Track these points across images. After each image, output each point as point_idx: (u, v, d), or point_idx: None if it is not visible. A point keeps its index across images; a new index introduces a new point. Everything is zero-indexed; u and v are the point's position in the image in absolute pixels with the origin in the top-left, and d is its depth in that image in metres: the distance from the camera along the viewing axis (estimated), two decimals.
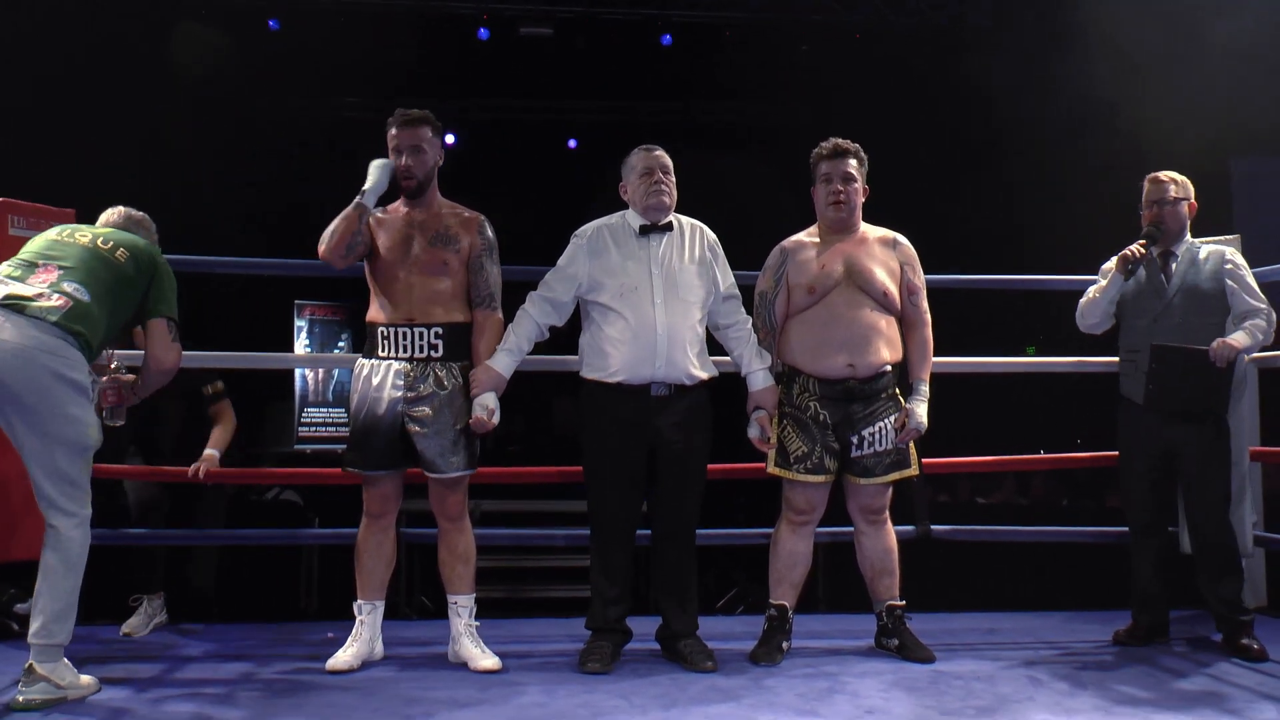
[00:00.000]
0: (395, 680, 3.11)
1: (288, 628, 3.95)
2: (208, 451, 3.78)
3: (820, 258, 3.39)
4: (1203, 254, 3.57)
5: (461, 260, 3.29)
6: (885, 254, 3.43)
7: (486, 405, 3.22)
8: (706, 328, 3.38)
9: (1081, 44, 7.18)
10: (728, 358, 3.46)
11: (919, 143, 7.39)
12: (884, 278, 3.38)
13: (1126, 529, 3.71)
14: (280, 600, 5.69)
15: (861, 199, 3.44)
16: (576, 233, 3.39)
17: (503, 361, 3.27)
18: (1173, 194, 3.59)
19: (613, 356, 3.25)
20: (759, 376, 3.40)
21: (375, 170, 3.26)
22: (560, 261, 3.36)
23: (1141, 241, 3.57)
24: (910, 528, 3.78)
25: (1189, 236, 3.63)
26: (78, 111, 7.01)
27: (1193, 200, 3.62)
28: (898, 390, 3.43)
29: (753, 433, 3.40)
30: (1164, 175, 3.64)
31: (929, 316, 3.48)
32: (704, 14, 7.92)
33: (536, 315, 3.33)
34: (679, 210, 3.40)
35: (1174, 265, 3.58)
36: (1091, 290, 3.70)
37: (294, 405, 8.15)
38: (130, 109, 7.31)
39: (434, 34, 7.78)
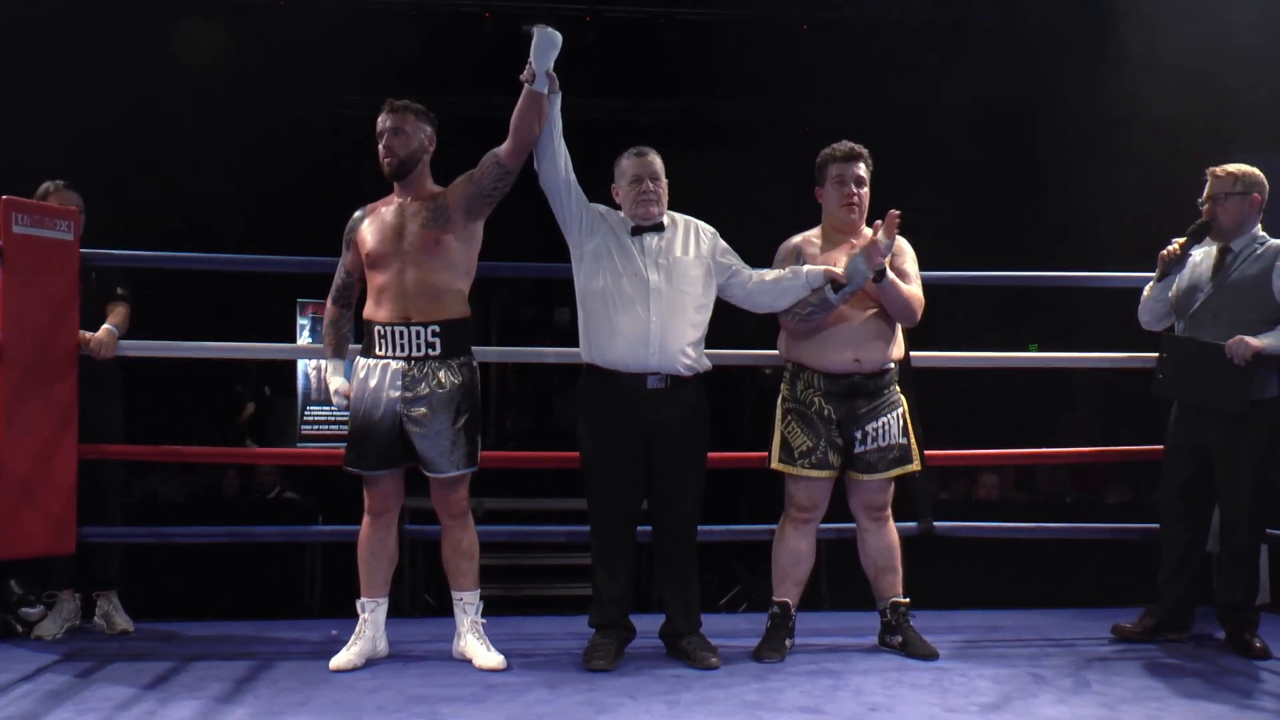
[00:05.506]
0: (399, 677, 3.11)
1: (291, 625, 3.95)
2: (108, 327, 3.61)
3: (825, 256, 3.39)
4: (1260, 249, 3.47)
5: (456, 223, 3.22)
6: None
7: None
8: (710, 322, 3.37)
9: (1090, 41, 7.18)
10: (726, 351, 3.41)
11: (924, 141, 7.38)
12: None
13: (1127, 526, 3.70)
14: (283, 598, 5.69)
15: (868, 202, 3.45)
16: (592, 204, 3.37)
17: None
18: (1227, 189, 3.47)
19: (608, 344, 3.25)
20: (816, 272, 3.28)
21: (538, 45, 3.07)
22: None
23: (1181, 240, 3.51)
24: (913, 524, 3.78)
25: (1257, 231, 3.51)
26: (80, 109, 7.02)
27: (1256, 194, 3.49)
28: (899, 388, 3.44)
29: (875, 252, 3.20)
30: (1222, 169, 3.51)
31: (921, 298, 3.40)
32: (708, 11, 7.91)
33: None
34: (685, 207, 3.40)
35: (1229, 260, 3.50)
36: (1145, 288, 3.67)
37: (296, 403, 8.16)
38: (134, 106, 7.33)
39: (436, 31, 7.78)
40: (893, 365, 3.41)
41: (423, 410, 3.19)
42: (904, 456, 3.41)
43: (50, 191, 3.70)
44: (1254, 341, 3.32)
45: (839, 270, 3.25)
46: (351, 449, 3.27)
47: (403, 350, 3.21)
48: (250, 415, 8.33)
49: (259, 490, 6.58)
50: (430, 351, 3.21)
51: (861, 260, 3.21)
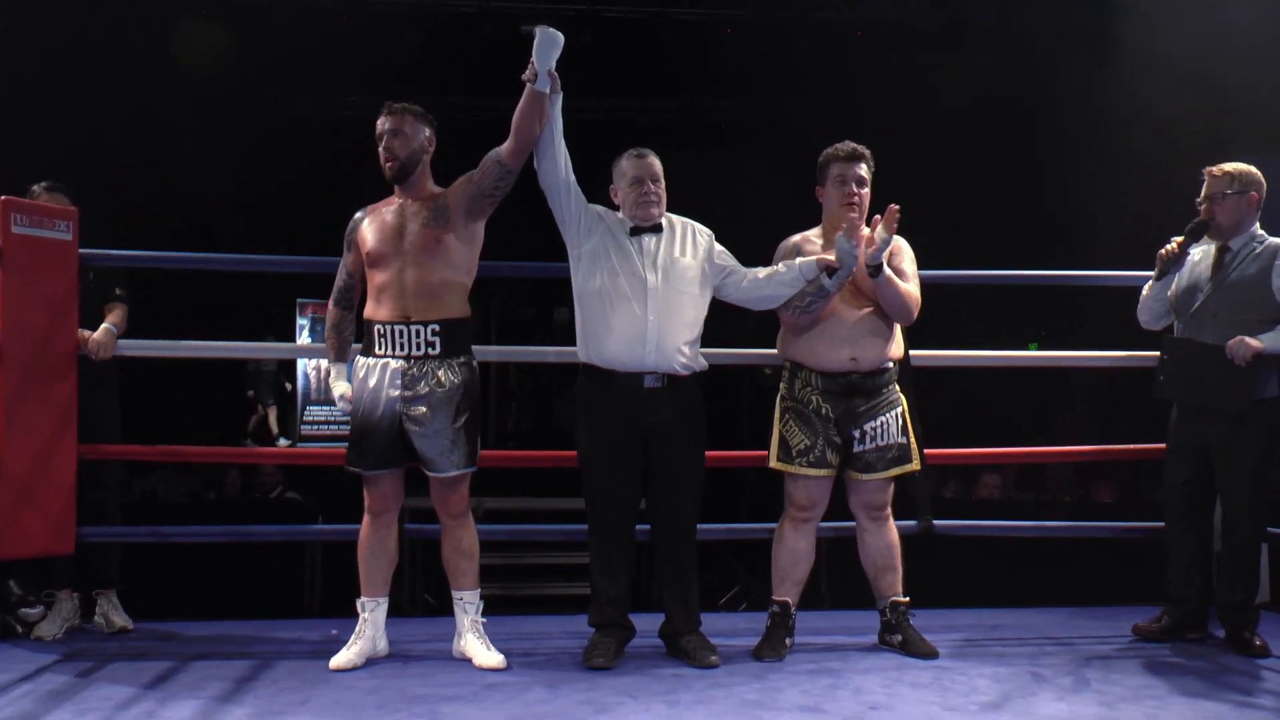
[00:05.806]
0: (399, 677, 3.11)
1: (291, 625, 3.95)
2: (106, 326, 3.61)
3: (824, 254, 3.39)
4: (1259, 248, 3.47)
5: (457, 223, 3.23)
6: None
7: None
8: (708, 321, 3.37)
9: (1087, 40, 7.18)
10: (724, 351, 3.41)
11: (921, 140, 7.39)
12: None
13: (1128, 525, 3.70)
14: (283, 598, 5.70)
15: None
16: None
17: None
18: (1224, 188, 3.47)
19: (605, 343, 3.25)
20: (809, 263, 3.28)
21: (540, 45, 3.11)
22: None
23: (1179, 239, 3.53)
24: (912, 523, 3.78)
25: (1256, 230, 3.50)
26: (80, 109, 7.03)
27: (1254, 193, 3.48)
28: (898, 387, 3.44)
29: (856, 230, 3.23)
30: (1219, 169, 3.51)
31: (918, 296, 3.41)
32: (705, 11, 7.92)
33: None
34: (682, 208, 3.40)
35: (1228, 259, 3.49)
36: (1144, 287, 3.68)
37: (297, 403, 8.17)
38: (134, 106, 7.33)
39: (436, 31, 7.78)
40: (891, 364, 3.41)
41: (422, 409, 3.19)
42: (903, 456, 3.42)
43: (38, 194, 3.70)
44: (1254, 342, 3.32)
45: (831, 257, 3.26)
46: (352, 448, 3.28)
47: (402, 349, 3.21)
48: (271, 418, 8.36)
49: (261, 490, 6.58)
50: (430, 351, 3.21)
51: (845, 240, 3.21)
